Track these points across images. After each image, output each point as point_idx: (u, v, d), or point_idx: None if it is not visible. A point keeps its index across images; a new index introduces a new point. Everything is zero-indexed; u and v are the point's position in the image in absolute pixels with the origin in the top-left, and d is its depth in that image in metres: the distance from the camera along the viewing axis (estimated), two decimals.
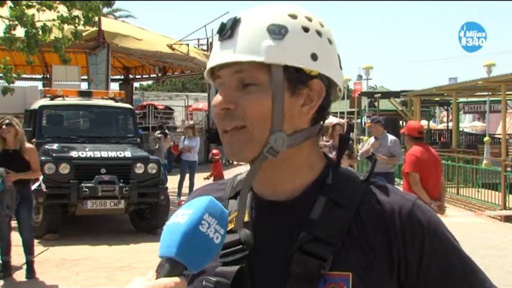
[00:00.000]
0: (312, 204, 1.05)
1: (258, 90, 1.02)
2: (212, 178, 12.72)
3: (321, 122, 1.11)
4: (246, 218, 1.07)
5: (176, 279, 0.88)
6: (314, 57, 1.03)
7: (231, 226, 1.06)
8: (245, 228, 1.06)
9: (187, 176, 13.31)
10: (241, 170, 1.17)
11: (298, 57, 1.02)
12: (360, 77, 39.47)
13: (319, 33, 1.05)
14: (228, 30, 1.03)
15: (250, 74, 1.02)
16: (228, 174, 12.45)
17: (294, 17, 1.04)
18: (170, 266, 0.90)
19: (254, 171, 1.05)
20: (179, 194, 13.00)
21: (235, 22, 1.03)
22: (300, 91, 1.04)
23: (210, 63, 1.06)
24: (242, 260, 1.03)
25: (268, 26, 1.01)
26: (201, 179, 12.12)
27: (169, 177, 13.01)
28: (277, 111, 1.02)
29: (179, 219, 0.92)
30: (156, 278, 0.89)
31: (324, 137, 9.39)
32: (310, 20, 1.05)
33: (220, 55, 1.04)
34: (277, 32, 1.01)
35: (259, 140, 1.03)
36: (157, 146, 13.67)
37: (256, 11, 1.05)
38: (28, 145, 6.84)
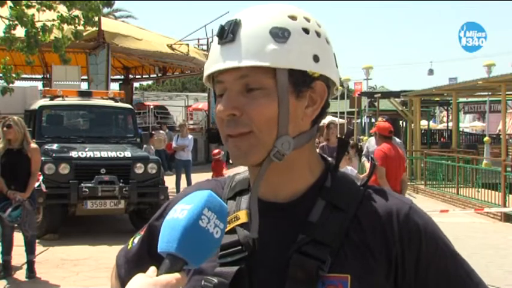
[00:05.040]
0: (310, 207, 1.05)
1: (263, 95, 1.00)
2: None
3: (319, 123, 1.10)
4: (245, 219, 1.06)
5: (177, 275, 0.88)
6: (316, 58, 1.03)
7: (229, 227, 1.04)
8: (244, 229, 1.05)
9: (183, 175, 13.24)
10: (243, 169, 1.15)
11: (302, 60, 1.01)
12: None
13: (318, 33, 1.04)
14: (229, 34, 1.01)
15: (255, 78, 1.00)
16: (230, 173, 12.38)
17: (294, 18, 1.03)
18: (170, 262, 0.89)
19: (261, 176, 1.04)
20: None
21: (236, 25, 1.01)
22: (304, 93, 1.03)
23: (211, 68, 1.04)
24: (241, 261, 1.02)
25: (271, 29, 1.00)
26: (198, 179, 12.06)
27: (165, 178, 13.02)
28: (283, 115, 1.01)
29: (178, 214, 0.91)
30: (157, 275, 0.89)
31: (320, 138, 9.37)
32: (308, 20, 1.04)
33: (221, 59, 1.01)
34: (281, 35, 1.00)
35: (266, 144, 1.02)
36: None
37: (256, 12, 1.03)
38: (33, 145, 6.88)
